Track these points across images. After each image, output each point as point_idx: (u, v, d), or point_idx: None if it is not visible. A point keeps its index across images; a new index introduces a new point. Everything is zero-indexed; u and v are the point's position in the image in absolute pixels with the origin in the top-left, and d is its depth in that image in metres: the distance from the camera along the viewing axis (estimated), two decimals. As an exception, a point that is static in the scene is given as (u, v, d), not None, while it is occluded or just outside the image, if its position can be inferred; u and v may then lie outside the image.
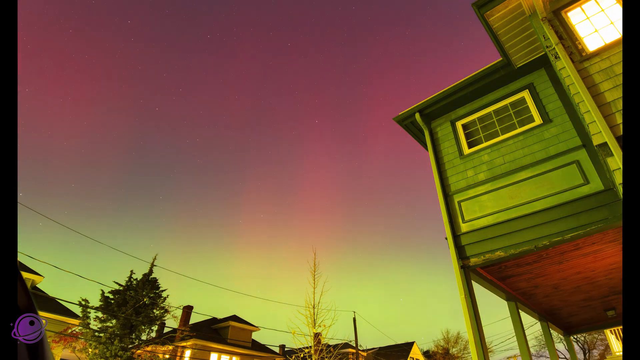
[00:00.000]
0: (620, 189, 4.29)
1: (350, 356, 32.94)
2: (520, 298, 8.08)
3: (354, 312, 22.72)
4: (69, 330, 16.30)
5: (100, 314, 15.68)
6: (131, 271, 17.17)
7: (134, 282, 16.94)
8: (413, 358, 39.91)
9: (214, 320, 27.84)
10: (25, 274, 18.59)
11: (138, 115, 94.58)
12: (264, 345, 30.03)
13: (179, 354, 19.71)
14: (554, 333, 33.48)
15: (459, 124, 7.10)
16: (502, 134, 6.34)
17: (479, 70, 6.72)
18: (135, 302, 15.99)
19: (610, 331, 14.25)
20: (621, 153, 4.05)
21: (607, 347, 34.14)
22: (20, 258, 15.87)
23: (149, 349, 16.78)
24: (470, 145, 6.72)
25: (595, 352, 37.46)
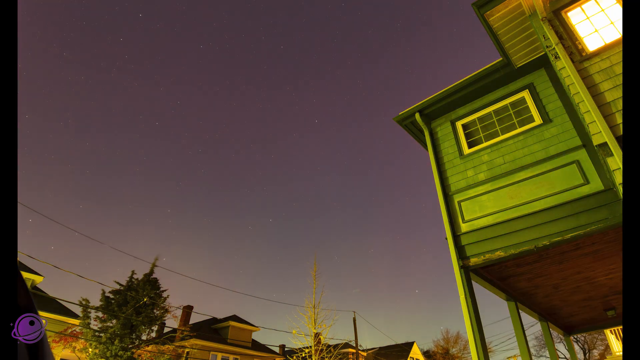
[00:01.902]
0: (620, 189, 4.29)
1: (350, 356, 32.93)
2: (520, 298, 8.08)
3: (354, 312, 22.73)
4: (69, 330, 16.29)
5: (100, 314, 15.69)
6: (132, 271, 17.20)
7: (135, 282, 16.95)
8: (413, 358, 39.90)
9: (214, 320, 27.85)
10: (25, 274, 18.60)
11: (139, 131, 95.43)
12: (264, 345, 30.03)
13: (180, 351, 19.73)
14: (554, 333, 33.49)
15: (459, 124, 7.10)
16: (502, 134, 6.34)
17: (479, 70, 6.72)
18: (136, 302, 15.99)
19: (610, 331, 14.25)
20: (621, 153, 4.05)
21: (607, 347, 34.14)
22: (20, 258, 15.87)
23: (149, 348, 16.77)
24: (470, 145, 6.72)
25: (595, 352, 37.47)
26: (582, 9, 5.38)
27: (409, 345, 40.46)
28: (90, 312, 15.42)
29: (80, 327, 15.65)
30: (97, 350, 14.79)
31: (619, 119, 4.29)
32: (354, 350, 32.34)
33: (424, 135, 7.56)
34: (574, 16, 5.41)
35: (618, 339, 14.10)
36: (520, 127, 6.19)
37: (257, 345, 28.91)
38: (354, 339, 22.20)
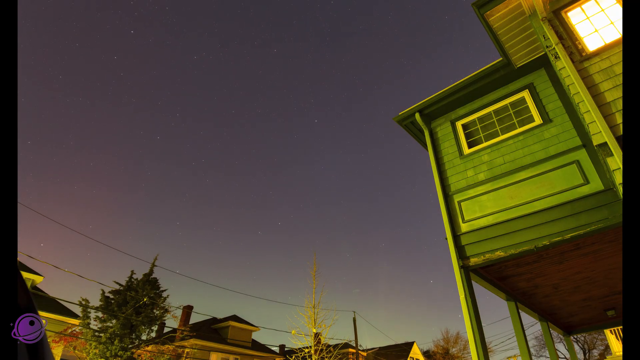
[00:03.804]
0: (620, 189, 4.29)
1: (350, 356, 32.93)
2: (520, 298, 8.08)
3: (354, 312, 22.73)
4: (69, 330, 16.29)
5: (100, 314, 15.70)
6: (132, 271, 17.20)
7: (135, 282, 16.95)
8: (413, 358, 39.90)
9: (214, 320, 27.84)
10: (25, 274, 18.60)
11: (141, 146, 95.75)
12: (264, 345, 30.04)
13: (179, 351, 19.73)
14: (554, 333, 33.49)
15: (459, 124, 7.10)
16: (502, 134, 6.34)
17: (479, 70, 6.72)
18: (136, 302, 15.99)
19: (610, 331, 14.26)
20: (621, 153, 4.05)
21: (607, 347, 34.14)
22: (20, 258, 15.87)
23: (149, 348, 16.77)
24: (470, 145, 6.72)
25: (595, 352, 37.49)
26: (582, 9, 5.38)
27: (409, 345, 40.46)
28: (90, 312, 15.42)
29: (80, 327, 15.66)
30: (96, 350, 14.79)
31: (619, 119, 4.29)
32: (354, 350, 32.34)
33: (424, 135, 7.56)
34: (574, 16, 5.41)
35: (618, 339, 14.11)
36: (520, 127, 6.19)
37: (257, 345, 28.91)
38: (354, 339, 22.20)
